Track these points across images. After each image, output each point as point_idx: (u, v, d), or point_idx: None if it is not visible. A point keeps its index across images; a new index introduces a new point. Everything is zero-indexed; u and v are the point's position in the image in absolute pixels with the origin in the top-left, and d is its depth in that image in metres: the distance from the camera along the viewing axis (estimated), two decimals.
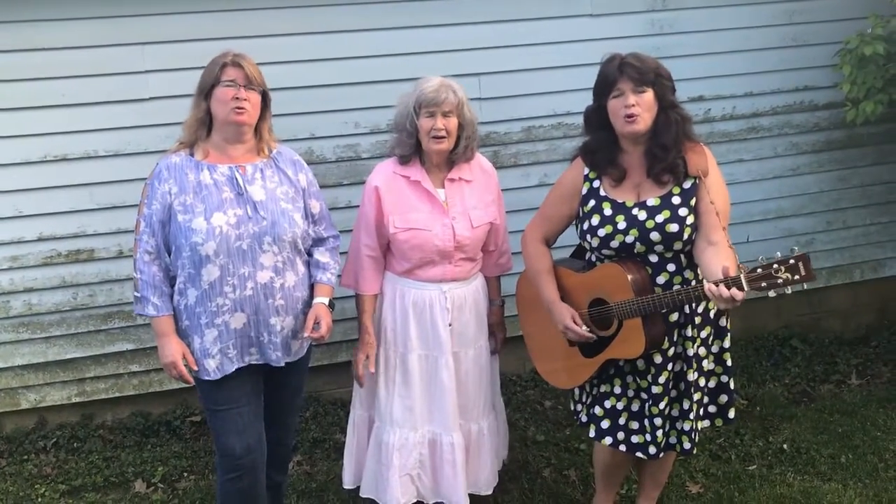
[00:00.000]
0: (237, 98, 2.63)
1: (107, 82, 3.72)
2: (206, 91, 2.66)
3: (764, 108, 4.53)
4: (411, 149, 2.94)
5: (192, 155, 2.71)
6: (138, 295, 2.67)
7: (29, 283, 3.83)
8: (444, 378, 2.99)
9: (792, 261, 2.37)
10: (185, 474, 3.78)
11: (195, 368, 2.70)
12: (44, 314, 3.89)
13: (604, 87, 2.68)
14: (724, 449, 3.78)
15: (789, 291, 2.39)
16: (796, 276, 2.36)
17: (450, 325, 2.99)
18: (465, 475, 3.05)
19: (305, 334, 2.80)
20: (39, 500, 3.60)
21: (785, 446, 3.78)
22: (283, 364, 2.80)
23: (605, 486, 3.21)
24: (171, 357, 2.67)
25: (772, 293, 2.41)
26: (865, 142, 4.69)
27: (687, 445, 2.86)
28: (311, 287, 2.89)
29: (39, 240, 3.80)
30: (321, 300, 2.87)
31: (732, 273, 2.41)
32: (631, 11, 4.24)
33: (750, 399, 4.24)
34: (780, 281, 2.37)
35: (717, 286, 2.42)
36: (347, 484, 3.22)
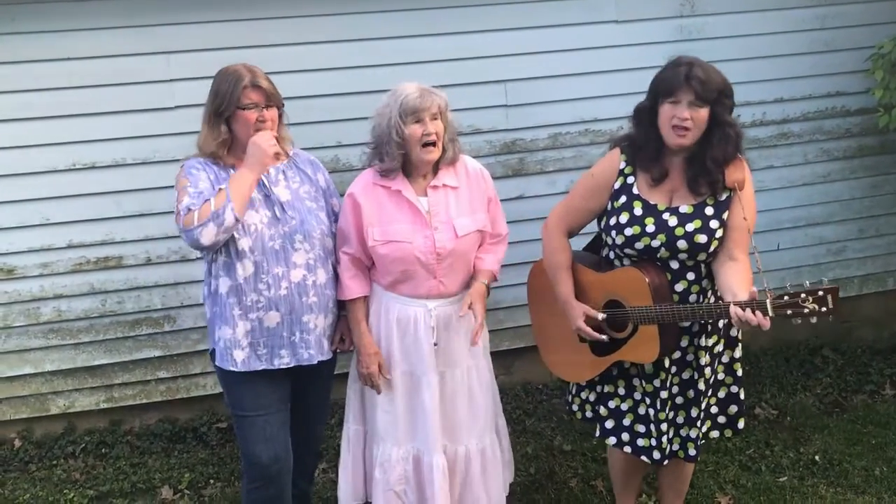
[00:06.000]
0: (260, 120, 2.66)
1: (133, 91, 3.74)
2: (227, 113, 2.64)
3: (794, 114, 4.46)
4: (399, 161, 2.79)
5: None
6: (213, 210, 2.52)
7: (58, 289, 3.87)
8: (425, 398, 2.85)
9: (821, 292, 2.33)
10: (212, 481, 3.79)
11: None
12: (73, 321, 3.93)
13: (663, 90, 2.58)
14: (754, 460, 3.73)
15: (813, 321, 2.35)
16: (823, 308, 2.33)
17: (435, 344, 2.84)
18: (446, 498, 2.89)
19: (333, 347, 2.89)
20: None
21: (817, 458, 3.71)
22: (315, 362, 2.79)
23: (622, 492, 3.18)
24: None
25: (796, 321, 2.38)
26: None
27: (692, 452, 2.84)
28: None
29: (69, 247, 3.84)
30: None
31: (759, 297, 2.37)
32: (658, 17, 4.19)
33: (780, 409, 4.17)
34: (805, 311, 2.34)
35: (744, 310, 2.39)
36: (343, 502, 3.08)
